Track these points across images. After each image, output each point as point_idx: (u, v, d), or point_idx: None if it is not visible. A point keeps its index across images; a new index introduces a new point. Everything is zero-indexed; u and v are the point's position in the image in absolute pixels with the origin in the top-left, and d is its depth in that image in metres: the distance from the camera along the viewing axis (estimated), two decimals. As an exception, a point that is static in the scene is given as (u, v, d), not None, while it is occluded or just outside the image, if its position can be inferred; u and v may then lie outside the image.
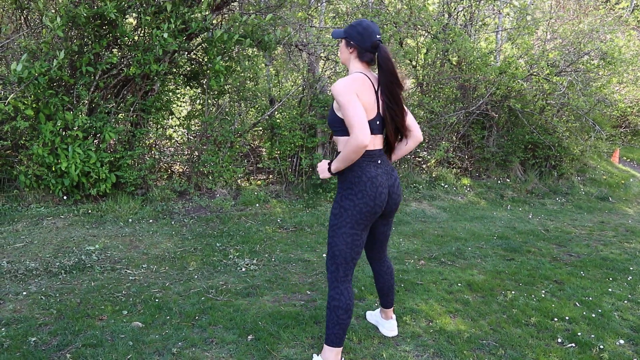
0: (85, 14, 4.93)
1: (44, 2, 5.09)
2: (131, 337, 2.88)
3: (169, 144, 7.11)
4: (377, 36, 2.44)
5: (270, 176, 7.45)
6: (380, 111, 2.44)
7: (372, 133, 2.41)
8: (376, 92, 2.43)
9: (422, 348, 2.87)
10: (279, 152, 7.08)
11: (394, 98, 2.41)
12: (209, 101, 6.90)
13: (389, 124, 2.43)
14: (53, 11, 5.41)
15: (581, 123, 8.89)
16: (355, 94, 2.30)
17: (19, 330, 2.92)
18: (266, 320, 3.14)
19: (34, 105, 5.25)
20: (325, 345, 2.51)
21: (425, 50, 8.48)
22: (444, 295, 3.67)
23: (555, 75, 8.09)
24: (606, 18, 9.54)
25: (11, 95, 5.00)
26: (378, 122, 2.44)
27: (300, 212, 6.13)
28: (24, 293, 3.51)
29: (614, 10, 10.82)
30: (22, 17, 5.84)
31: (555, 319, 3.31)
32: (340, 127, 2.41)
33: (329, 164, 2.48)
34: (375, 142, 2.47)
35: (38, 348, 2.74)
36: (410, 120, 2.57)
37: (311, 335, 2.95)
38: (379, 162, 2.47)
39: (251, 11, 6.61)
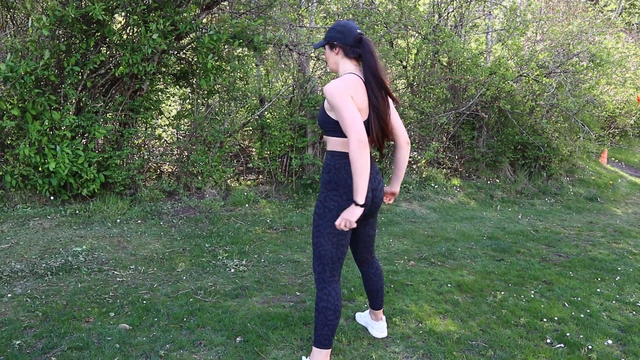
0: (73, 15, 4.87)
1: (31, 1, 5.03)
2: (118, 339, 2.84)
3: (158, 143, 7.05)
4: (358, 30, 2.41)
5: (260, 176, 7.42)
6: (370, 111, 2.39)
7: None
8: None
9: (411, 349, 2.86)
10: (268, 152, 7.05)
11: (377, 92, 2.36)
12: (199, 101, 6.86)
13: (374, 123, 2.37)
14: (40, 10, 5.35)
15: (570, 124, 8.95)
16: (349, 95, 2.26)
17: (3, 333, 2.87)
18: (255, 322, 3.11)
19: (20, 105, 5.18)
20: (314, 348, 2.49)
21: (415, 51, 8.49)
22: (433, 296, 3.67)
23: (545, 77, 8.14)
24: (595, 20, 9.62)
25: (-3, 94, 4.93)
26: (367, 124, 2.39)
27: (290, 213, 6.11)
28: (9, 295, 3.45)
29: (602, 12, 10.91)
30: (8, 16, 5.77)
31: (544, 320, 3.32)
32: (333, 128, 2.38)
33: (354, 202, 2.26)
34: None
35: (23, 351, 2.69)
36: (396, 121, 2.55)
37: (300, 337, 2.93)
38: None
39: (241, 11, 6.58)
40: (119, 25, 6.02)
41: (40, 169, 5.33)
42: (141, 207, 5.73)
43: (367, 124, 2.36)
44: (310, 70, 7.63)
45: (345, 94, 2.25)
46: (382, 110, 2.38)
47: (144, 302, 3.41)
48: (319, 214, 2.43)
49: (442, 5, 8.83)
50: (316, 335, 2.47)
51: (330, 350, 2.50)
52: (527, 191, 8.46)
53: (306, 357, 2.57)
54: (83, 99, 5.64)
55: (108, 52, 5.86)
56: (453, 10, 9.05)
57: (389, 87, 2.41)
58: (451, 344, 2.91)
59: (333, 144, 2.42)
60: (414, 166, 8.53)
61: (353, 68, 2.43)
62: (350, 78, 2.34)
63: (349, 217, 2.24)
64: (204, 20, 6.35)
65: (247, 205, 6.26)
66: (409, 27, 8.19)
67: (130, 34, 5.83)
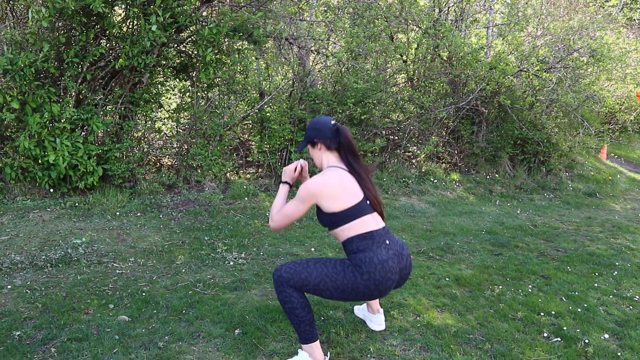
0: (72, 7, 4.86)
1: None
2: (117, 331, 2.85)
3: (157, 136, 7.05)
4: (332, 121, 2.57)
5: (260, 170, 7.42)
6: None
7: (364, 213, 2.44)
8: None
9: (409, 342, 2.87)
10: (268, 145, 7.05)
11: (361, 168, 2.53)
12: (198, 94, 6.86)
13: (373, 198, 2.49)
14: (40, 2, 5.33)
15: (570, 119, 8.95)
16: (313, 201, 2.43)
17: (3, 325, 2.88)
18: (253, 314, 3.13)
19: (19, 97, 5.17)
20: (302, 345, 2.53)
21: (415, 45, 8.48)
22: (431, 290, 3.68)
23: (545, 72, 8.13)
24: (596, 15, 9.60)
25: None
26: (368, 202, 2.48)
27: (290, 206, 6.10)
28: (9, 287, 3.47)
29: (603, 7, 10.88)
30: (7, 8, 5.75)
31: (542, 314, 3.33)
32: (331, 224, 2.46)
33: (285, 181, 2.73)
34: (377, 220, 2.50)
35: (22, 342, 2.71)
36: None
37: (299, 330, 2.95)
38: (387, 242, 2.47)
39: (241, 4, 6.56)
40: (118, 18, 6.00)
41: (39, 161, 5.34)
42: (141, 200, 5.74)
43: (364, 203, 2.46)
44: (310, 63, 7.63)
45: (311, 198, 2.43)
46: (369, 187, 2.51)
47: (143, 294, 3.42)
48: (337, 268, 2.42)
49: (443, -1, 8.81)
50: (298, 333, 2.51)
51: (317, 341, 2.52)
52: (526, 186, 8.47)
53: (302, 350, 2.59)
54: (83, 91, 5.63)
55: (108, 45, 5.85)
56: (454, 5, 9.03)
57: (364, 166, 2.57)
58: (449, 337, 2.93)
59: (341, 235, 2.47)
60: (414, 161, 8.54)
61: (335, 160, 2.56)
62: (331, 174, 2.46)
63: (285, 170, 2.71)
64: (204, 13, 6.33)
65: (246, 198, 6.26)
66: (410, 21, 8.17)
67: (130, 26, 5.81)
